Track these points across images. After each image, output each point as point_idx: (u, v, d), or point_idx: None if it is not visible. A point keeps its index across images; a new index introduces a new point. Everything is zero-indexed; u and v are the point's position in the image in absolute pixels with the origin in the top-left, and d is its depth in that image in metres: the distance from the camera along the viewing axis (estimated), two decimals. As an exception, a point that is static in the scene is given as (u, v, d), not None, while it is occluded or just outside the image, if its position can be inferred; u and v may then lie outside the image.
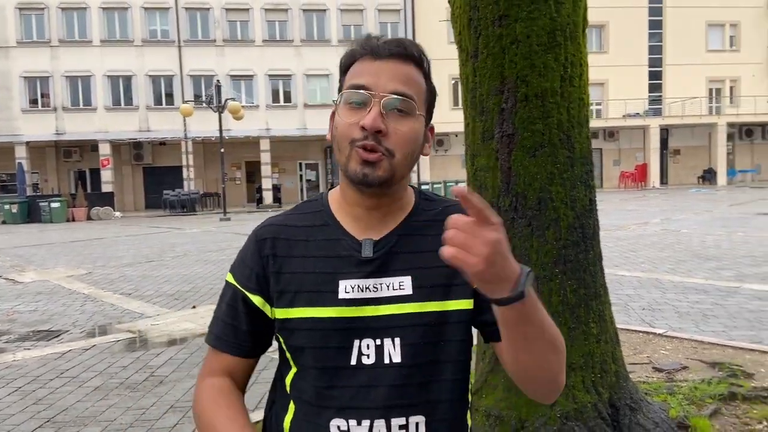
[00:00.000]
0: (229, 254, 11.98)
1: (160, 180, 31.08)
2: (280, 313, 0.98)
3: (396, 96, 0.93)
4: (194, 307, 7.21)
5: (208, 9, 29.70)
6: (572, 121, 2.53)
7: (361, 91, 0.94)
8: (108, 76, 28.90)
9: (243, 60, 29.75)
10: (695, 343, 4.70)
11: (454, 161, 33.06)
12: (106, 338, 5.95)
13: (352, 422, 0.94)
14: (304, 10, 30.44)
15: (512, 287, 0.79)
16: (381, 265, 0.97)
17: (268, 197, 30.08)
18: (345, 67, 1.00)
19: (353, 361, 0.95)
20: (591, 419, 2.42)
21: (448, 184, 30.31)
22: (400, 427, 0.94)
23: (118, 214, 26.76)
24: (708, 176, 33.94)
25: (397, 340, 0.95)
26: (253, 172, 32.29)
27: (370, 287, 0.96)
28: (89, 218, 25.55)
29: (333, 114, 0.99)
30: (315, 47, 30.54)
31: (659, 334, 5.00)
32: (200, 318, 6.58)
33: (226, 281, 1.04)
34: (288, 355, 1.01)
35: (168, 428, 3.68)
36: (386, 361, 0.95)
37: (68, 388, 4.47)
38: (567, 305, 2.50)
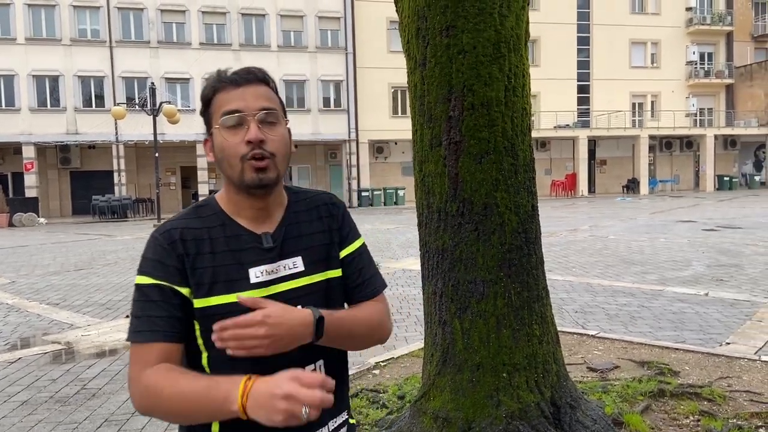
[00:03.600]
0: (164, 262, 11.59)
1: (88, 185, 29.64)
2: (199, 303, 1.13)
3: (265, 110, 1.15)
4: (127, 316, 6.90)
5: (141, 9, 28.73)
6: (516, 129, 2.62)
7: (237, 114, 1.14)
8: (33, 75, 27.40)
9: (179, 62, 28.92)
10: (625, 344, 4.94)
11: (393, 168, 33.31)
12: (33, 350, 5.64)
13: None
14: (243, 15, 29.95)
15: (311, 334, 1.10)
16: (279, 251, 1.20)
17: (204, 203, 29.27)
18: (207, 100, 1.19)
19: None
20: (535, 418, 2.50)
21: (387, 190, 30.46)
22: (311, 370, 1.16)
23: (42, 220, 25.37)
24: (632, 185, 35.72)
25: (299, 307, 1.13)
26: (188, 177, 31.38)
27: (274, 270, 1.18)
28: (11, 225, 24.14)
29: (206, 141, 1.22)
30: (254, 52, 30.08)
31: (592, 336, 5.22)
32: (135, 328, 6.34)
33: (143, 284, 1.14)
34: (201, 341, 1.15)
35: (103, 442, 3.53)
36: None
37: (-8, 404, 4.22)
38: (511, 307, 2.58)
